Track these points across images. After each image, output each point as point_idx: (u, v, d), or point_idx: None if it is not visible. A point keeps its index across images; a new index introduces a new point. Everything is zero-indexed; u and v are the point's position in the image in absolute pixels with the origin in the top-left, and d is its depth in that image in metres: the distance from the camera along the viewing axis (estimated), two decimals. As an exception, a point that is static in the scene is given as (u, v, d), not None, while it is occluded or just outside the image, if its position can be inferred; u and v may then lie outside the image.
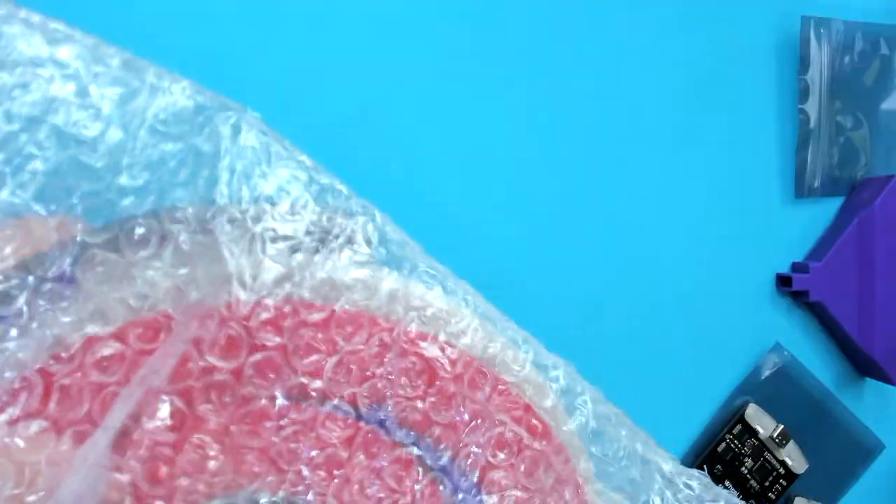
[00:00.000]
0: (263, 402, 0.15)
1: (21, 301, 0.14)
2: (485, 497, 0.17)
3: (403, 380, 0.16)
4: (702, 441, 0.36)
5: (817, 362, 0.38)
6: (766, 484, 0.35)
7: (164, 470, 0.14)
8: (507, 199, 0.33)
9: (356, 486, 0.16)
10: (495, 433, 0.17)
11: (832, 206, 0.38)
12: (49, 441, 0.14)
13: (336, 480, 0.16)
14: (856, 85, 0.37)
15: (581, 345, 0.32)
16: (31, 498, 0.13)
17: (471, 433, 0.16)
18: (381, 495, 0.16)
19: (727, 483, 0.35)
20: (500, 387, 0.17)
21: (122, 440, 0.14)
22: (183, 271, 0.14)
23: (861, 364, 0.38)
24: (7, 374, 0.14)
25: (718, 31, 0.36)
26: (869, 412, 0.37)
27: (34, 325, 0.14)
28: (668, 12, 0.35)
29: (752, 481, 0.35)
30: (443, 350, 0.16)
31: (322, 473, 0.15)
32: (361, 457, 0.16)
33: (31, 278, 0.14)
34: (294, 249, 0.15)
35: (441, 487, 0.17)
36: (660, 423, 0.37)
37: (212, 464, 0.15)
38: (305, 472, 0.15)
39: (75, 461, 0.13)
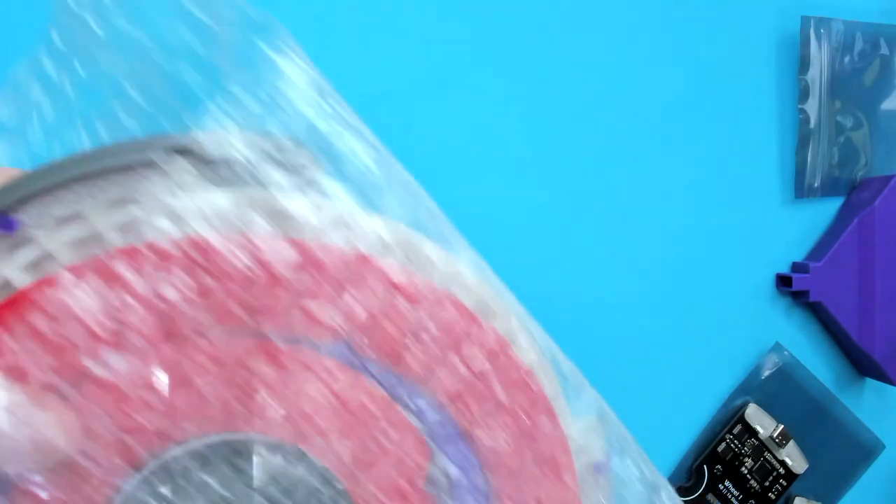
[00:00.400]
0: (245, 339, 0.15)
1: None
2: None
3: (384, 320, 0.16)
4: (702, 441, 0.36)
5: (817, 362, 0.38)
6: (766, 484, 0.35)
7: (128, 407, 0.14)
8: (507, 199, 0.33)
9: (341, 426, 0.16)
10: (467, 367, 0.16)
11: (832, 206, 0.38)
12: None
13: (321, 422, 0.16)
14: (856, 85, 0.37)
15: (581, 344, 0.32)
16: None
17: (442, 366, 0.16)
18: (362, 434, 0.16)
19: (727, 483, 0.35)
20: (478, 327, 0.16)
21: (85, 383, 0.14)
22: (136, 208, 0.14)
23: (861, 364, 0.38)
24: None
25: (718, 31, 0.36)
26: (869, 412, 0.37)
27: None
28: (669, 12, 0.35)
29: (752, 481, 0.35)
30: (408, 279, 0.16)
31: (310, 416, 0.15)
32: (349, 399, 0.16)
33: None
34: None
35: (419, 424, 0.16)
36: (660, 422, 0.37)
37: (186, 402, 0.15)
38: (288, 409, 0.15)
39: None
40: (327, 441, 0.16)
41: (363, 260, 0.15)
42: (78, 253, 0.14)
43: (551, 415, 0.18)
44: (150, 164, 0.15)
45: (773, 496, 0.35)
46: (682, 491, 0.36)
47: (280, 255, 0.15)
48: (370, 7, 0.31)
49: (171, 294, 0.14)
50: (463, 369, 0.16)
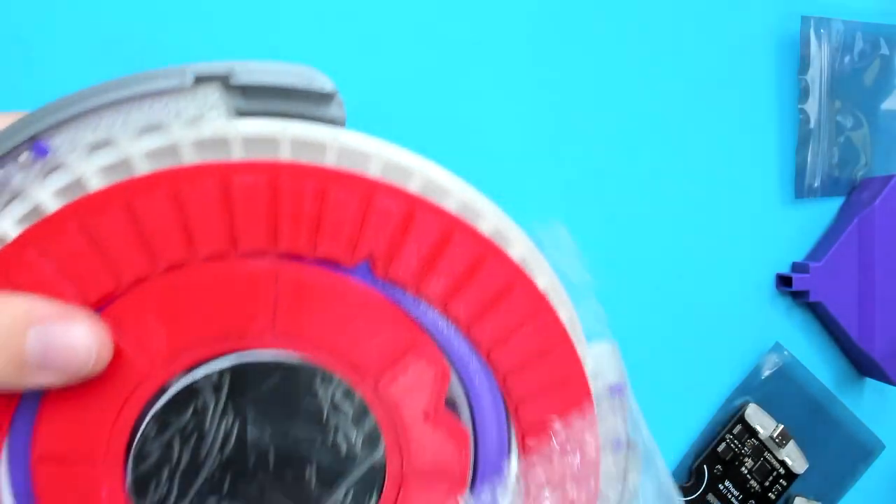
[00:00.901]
0: (271, 258, 0.16)
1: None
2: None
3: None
4: (702, 441, 0.36)
5: (817, 362, 0.38)
6: (766, 484, 0.35)
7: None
8: (506, 200, 0.33)
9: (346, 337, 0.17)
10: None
11: (832, 206, 0.38)
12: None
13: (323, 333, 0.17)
14: (856, 85, 0.37)
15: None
16: None
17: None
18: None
19: (727, 483, 0.35)
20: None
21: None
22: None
23: (861, 364, 0.38)
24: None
25: (719, 31, 0.36)
26: (869, 412, 0.37)
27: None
28: (669, 13, 0.35)
29: (752, 481, 0.35)
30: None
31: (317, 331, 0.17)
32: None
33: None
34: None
35: (438, 344, 0.17)
36: (660, 423, 0.37)
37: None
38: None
39: None
40: (349, 356, 0.17)
41: (385, 184, 0.16)
42: (108, 178, 0.15)
43: (566, 337, 0.18)
44: (179, 91, 0.15)
45: (773, 496, 0.35)
46: (682, 491, 0.36)
47: (306, 181, 0.16)
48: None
49: (200, 216, 0.15)
50: (481, 292, 0.17)
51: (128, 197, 0.15)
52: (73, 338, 0.15)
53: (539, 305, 0.18)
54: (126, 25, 0.29)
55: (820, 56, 0.36)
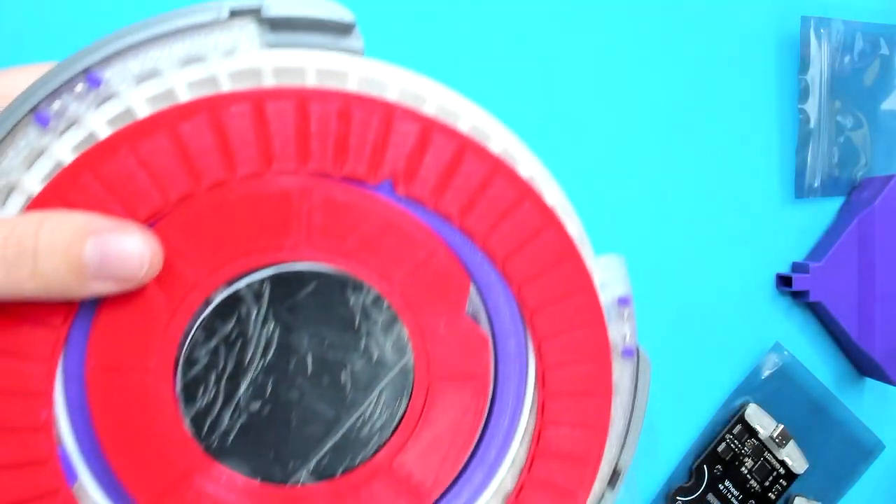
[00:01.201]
0: (303, 176, 0.18)
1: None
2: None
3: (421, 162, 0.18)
4: (702, 441, 0.36)
5: (817, 362, 0.38)
6: (766, 484, 0.35)
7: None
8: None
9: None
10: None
11: (832, 206, 0.38)
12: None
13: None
14: (856, 85, 0.37)
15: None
16: None
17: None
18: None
19: (727, 483, 0.35)
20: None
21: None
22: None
23: (861, 364, 0.38)
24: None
25: (719, 31, 0.36)
26: (869, 412, 0.37)
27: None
28: (669, 13, 0.35)
29: (752, 481, 0.35)
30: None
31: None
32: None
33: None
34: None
35: (459, 257, 0.19)
36: (660, 423, 0.37)
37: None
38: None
39: None
40: (378, 266, 0.19)
41: (403, 107, 0.18)
42: (154, 106, 0.17)
43: (575, 249, 0.20)
44: (215, 24, 0.17)
45: (773, 496, 0.35)
46: (682, 491, 0.36)
47: (332, 104, 0.18)
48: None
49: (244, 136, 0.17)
50: (493, 206, 0.19)
51: (173, 122, 0.17)
52: (127, 246, 0.16)
53: (548, 218, 0.19)
54: None
55: (820, 56, 0.36)
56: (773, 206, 0.37)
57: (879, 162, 0.38)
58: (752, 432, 0.35)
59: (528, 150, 0.19)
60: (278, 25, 0.18)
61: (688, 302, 0.36)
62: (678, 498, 0.35)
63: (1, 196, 0.17)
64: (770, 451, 0.35)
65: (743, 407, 0.36)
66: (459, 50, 0.33)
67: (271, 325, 0.19)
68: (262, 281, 0.18)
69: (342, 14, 0.18)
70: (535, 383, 0.20)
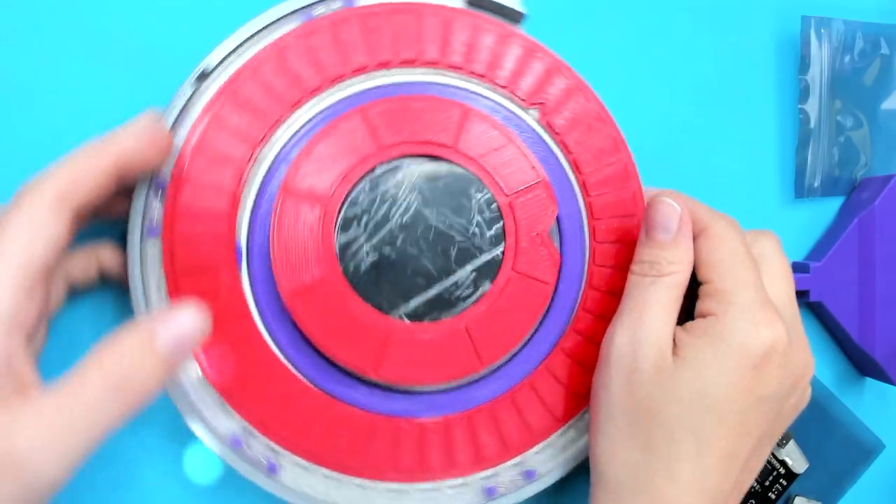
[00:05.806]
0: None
1: None
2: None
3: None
4: (702, 441, 0.36)
5: (817, 362, 0.37)
6: (766, 484, 0.35)
7: None
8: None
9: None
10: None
11: (832, 206, 0.38)
12: None
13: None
14: (856, 85, 0.37)
15: (581, 345, 0.32)
16: None
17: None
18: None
19: (727, 483, 0.35)
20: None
21: None
22: None
23: (861, 364, 0.38)
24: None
25: (719, 31, 0.36)
26: (869, 412, 0.37)
27: None
28: (668, 13, 0.35)
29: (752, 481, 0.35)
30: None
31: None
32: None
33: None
34: None
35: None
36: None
37: None
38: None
39: None
40: (498, 176, 0.27)
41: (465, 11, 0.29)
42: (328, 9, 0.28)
43: (614, 124, 0.30)
44: None
45: (773, 496, 0.35)
46: (682, 491, 0.35)
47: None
48: None
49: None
50: (557, 93, 0.29)
51: (336, 25, 0.27)
52: (182, 325, 0.22)
53: (623, 144, 0.30)
54: None
55: (820, 56, 0.36)
56: (773, 205, 0.37)
57: (879, 162, 0.38)
58: (752, 432, 0.35)
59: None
60: (474, 3, 0.29)
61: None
62: (678, 498, 0.35)
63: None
64: (770, 451, 0.35)
65: (743, 407, 0.36)
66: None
67: (415, 194, 0.26)
68: (419, 162, 0.26)
69: (520, 7, 0.29)
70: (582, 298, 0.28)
